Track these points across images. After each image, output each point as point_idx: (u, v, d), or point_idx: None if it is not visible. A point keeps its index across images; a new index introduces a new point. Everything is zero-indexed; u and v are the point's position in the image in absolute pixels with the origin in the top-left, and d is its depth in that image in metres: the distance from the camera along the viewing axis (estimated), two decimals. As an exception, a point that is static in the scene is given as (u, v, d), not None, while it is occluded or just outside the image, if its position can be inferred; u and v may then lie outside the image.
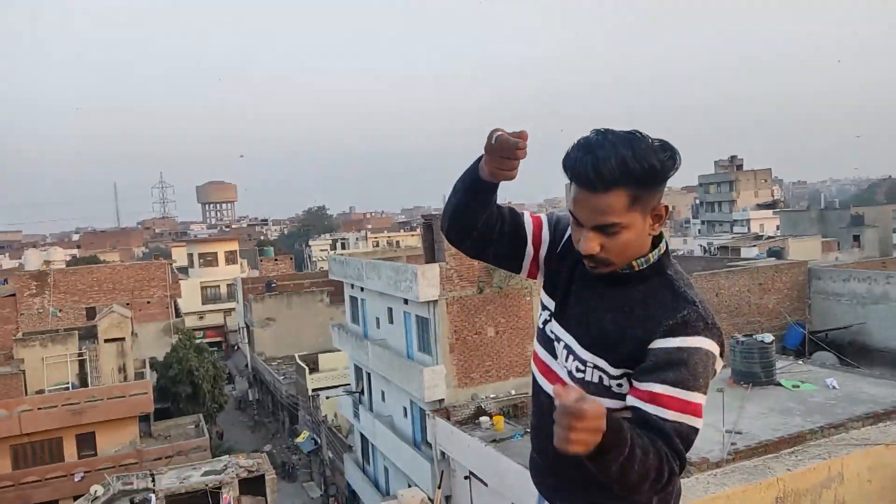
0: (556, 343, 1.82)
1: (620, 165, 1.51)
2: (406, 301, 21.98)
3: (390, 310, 23.77)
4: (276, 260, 56.66)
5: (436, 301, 20.49)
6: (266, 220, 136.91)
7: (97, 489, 22.82)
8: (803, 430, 12.28)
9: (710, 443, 12.05)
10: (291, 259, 60.88)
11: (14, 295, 36.48)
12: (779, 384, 15.76)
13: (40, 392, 29.50)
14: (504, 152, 1.57)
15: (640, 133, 1.57)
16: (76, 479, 28.00)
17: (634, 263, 1.66)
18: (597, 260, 1.64)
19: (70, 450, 29.23)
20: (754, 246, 47.39)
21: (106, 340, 31.95)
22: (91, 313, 36.91)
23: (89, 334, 32.23)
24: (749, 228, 71.32)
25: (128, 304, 37.55)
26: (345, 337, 27.99)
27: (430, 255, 21.71)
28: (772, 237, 53.46)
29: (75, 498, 25.02)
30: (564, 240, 1.84)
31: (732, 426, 12.77)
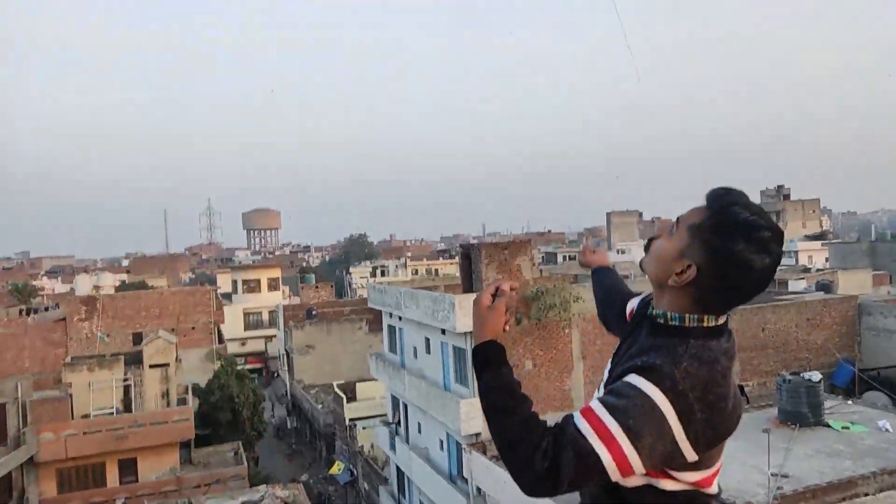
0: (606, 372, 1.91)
1: (720, 197, 1.67)
2: (443, 331, 21.92)
3: (428, 340, 23.73)
4: (316, 287, 57.34)
5: (472, 332, 20.36)
6: (308, 247, 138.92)
7: (137, 514, 23.10)
8: (854, 475, 11.77)
9: (755, 485, 11.64)
10: (332, 287, 61.51)
11: (64, 319, 37.56)
12: (827, 425, 15.15)
13: (86, 416, 30.14)
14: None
15: (763, 227, 1.62)
16: (118, 504, 28.43)
17: (668, 315, 1.67)
18: (648, 242, 1.82)
19: (112, 475, 29.71)
20: (802, 279, 46.06)
21: (151, 366, 32.57)
22: (137, 338, 37.71)
23: (135, 359, 32.89)
24: (797, 260, 69.57)
25: (173, 329, 38.29)
26: (382, 366, 28.01)
27: (468, 285, 21.67)
28: (820, 270, 51.98)
29: (116, 522, 25.38)
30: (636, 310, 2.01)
31: (779, 469, 12.31)
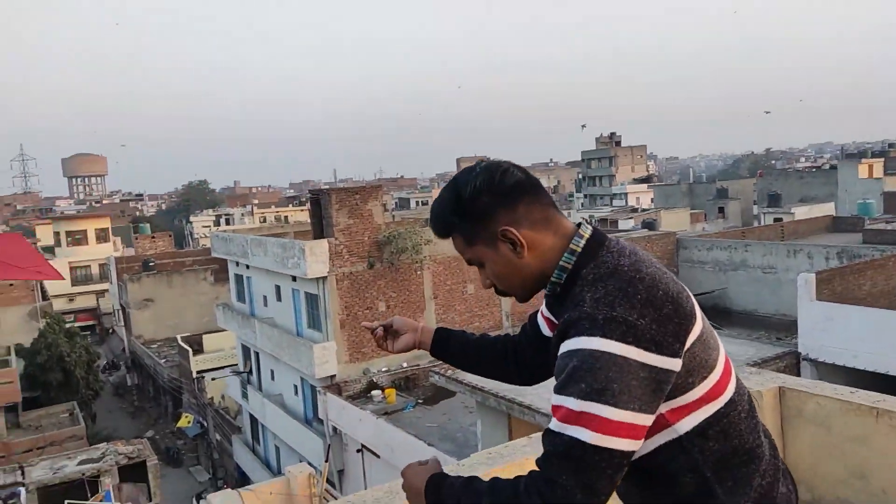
0: None
1: (434, 224, 1.57)
2: (294, 278, 21.62)
3: (278, 287, 23.31)
4: (153, 237, 53.84)
5: (325, 277, 20.29)
6: (141, 195, 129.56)
7: (-42, 488, 21.08)
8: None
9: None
10: (171, 236, 58.10)
11: None
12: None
13: None
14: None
15: (457, 177, 1.54)
16: (-68, 479, 25.77)
17: (554, 279, 1.48)
18: (499, 293, 1.61)
19: (-76, 447, 26.79)
20: (630, 218, 50.06)
21: (-38, 327, 29.41)
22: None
23: (-58, 321, 29.51)
24: (627, 202, 75.06)
25: (-14, 287, 34.63)
26: (230, 316, 27.19)
27: (319, 231, 21.41)
28: (646, 210, 56.57)
29: (-68, 499, 23.05)
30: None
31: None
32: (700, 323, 1.42)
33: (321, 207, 21.13)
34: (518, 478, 1.35)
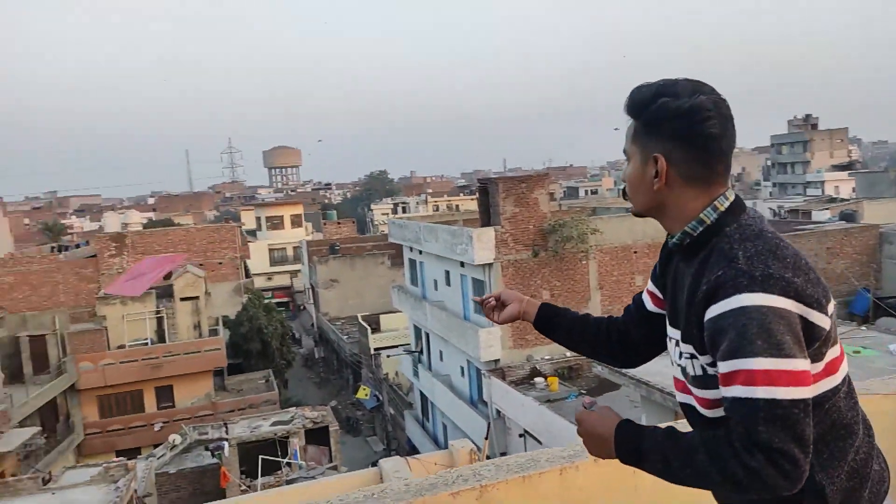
0: (669, 343, 1.68)
1: (630, 95, 1.58)
2: (462, 264, 22.43)
3: (447, 272, 24.28)
4: (339, 223, 58.03)
5: (491, 264, 20.86)
6: (329, 185, 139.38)
7: (175, 438, 24.46)
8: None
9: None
10: (354, 223, 62.15)
11: (95, 256, 38.72)
12: (838, 350, 15.42)
13: (121, 347, 31.51)
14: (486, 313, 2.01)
15: (682, 81, 1.53)
16: (156, 429, 30.04)
17: (689, 229, 1.52)
18: (623, 193, 1.69)
19: (150, 401, 31.28)
20: (826, 209, 45.59)
21: (182, 299, 33.72)
22: (168, 273, 38.88)
23: (166, 293, 34.01)
24: (823, 191, 68.40)
25: (201, 264, 39.35)
26: (404, 298, 28.75)
27: (486, 219, 22.01)
28: (846, 200, 51.27)
29: (155, 446, 26.93)
30: (659, 259, 1.77)
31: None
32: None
33: (489, 196, 21.70)
34: (729, 434, 1.32)
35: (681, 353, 1.57)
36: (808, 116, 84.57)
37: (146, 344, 31.95)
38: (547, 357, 21.12)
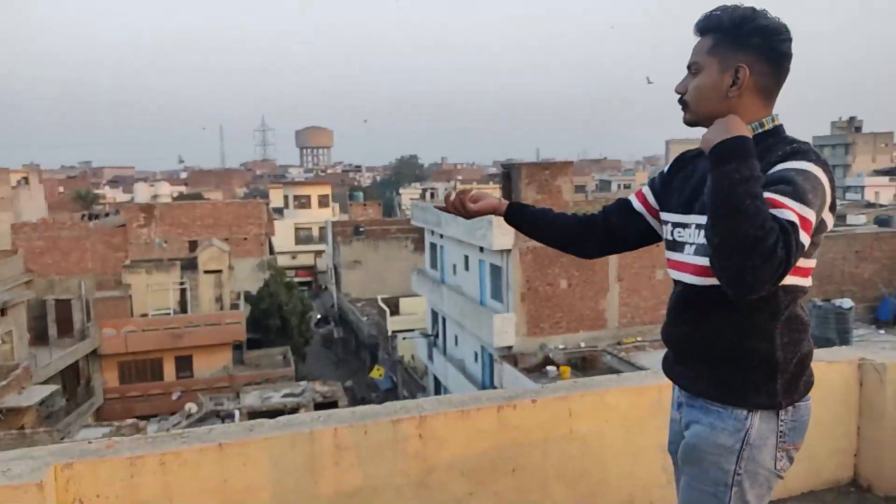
0: (683, 230, 1.82)
1: (713, 15, 1.74)
2: (482, 249, 22.31)
3: (466, 257, 24.20)
4: (364, 205, 58.24)
5: (509, 250, 20.71)
6: (360, 167, 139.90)
7: (191, 407, 24.87)
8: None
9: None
10: (380, 205, 62.33)
11: (124, 225, 39.37)
12: (858, 354, 15.10)
13: (144, 315, 32.07)
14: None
15: (759, 8, 1.71)
16: (174, 398, 30.54)
17: (750, 126, 1.68)
18: (682, 103, 1.79)
19: (169, 370, 31.83)
20: (863, 214, 44.46)
21: (205, 272, 34.19)
22: (193, 246, 39.37)
23: (190, 265, 34.51)
24: (863, 195, 66.65)
25: (226, 239, 39.81)
26: (423, 281, 28.75)
27: (508, 205, 21.82)
28: (885, 206, 49.95)
29: (172, 414, 27.40)
30: (669, 168, 1.95)
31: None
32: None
33: (511, 181, 21.52)
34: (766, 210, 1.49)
35: (692, 230, 1.77)
36: (852, 119, 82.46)
37: (168, 314, 32.49)
38: (561, 346, 20.95)
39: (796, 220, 1.49)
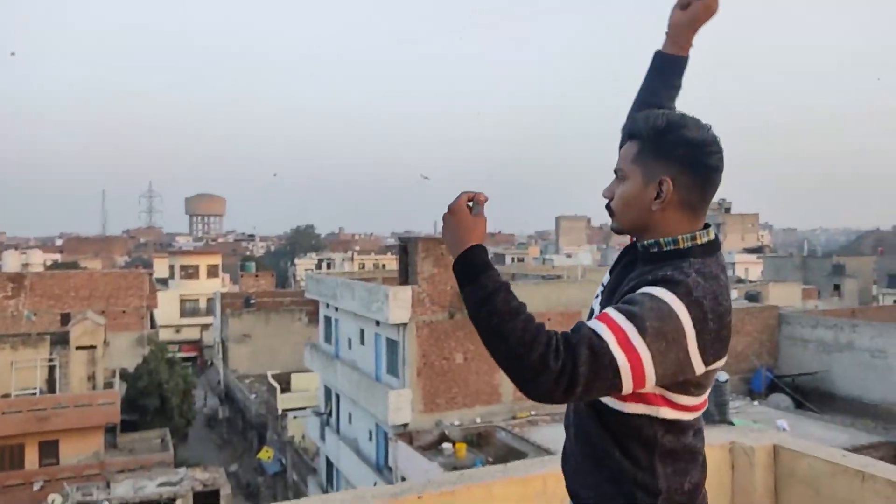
0: (592, 315, 1.76)
1: (638, 119, 1.68)
2: (378, 322, 22.02)
3: (362, 331, 23.79)
4: (256, 276, 56.56)
5: (406, 324, 20.55)
6: (253, 236, 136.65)
7: (55, 498, 22.49)
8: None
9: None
10: (273, 276, 60.78)
11: (-11, 297, 36.15)
12: (731, 423, 15.86)
13: (6, 396, 29.13)
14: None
15: (689, 116, 1.66)
16: (35, 488, 27.49)
17: (662, 242, 1.63)
18: (608, 209, 1.73)
19: (32, 457, 28.76)
20: (734, 290, 47.76)
21: (77, 347, 31.67)
22: (65, 319, 36.59)
23: (61, 340, 31.92)
24: (734, 272, 71.70)
25: (103, 311, 37.30)
26: (317, 356, 27.92)
27: (404, 278, 21.81)
28: (753, 282, 53.89)
29: (31, 506, 24.63)
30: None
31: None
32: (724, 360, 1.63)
33: (408, 254, 21.57)
34: (548, 331, 1.44)
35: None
36: (721, 200, 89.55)
37: (35, 394, 29.66)
38: (457, 423, 20.71)
39: (606, 333, 1.42)
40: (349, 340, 25.18)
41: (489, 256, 1.57)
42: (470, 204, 1.65)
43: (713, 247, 1.64)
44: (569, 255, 72.87)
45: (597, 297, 1.83)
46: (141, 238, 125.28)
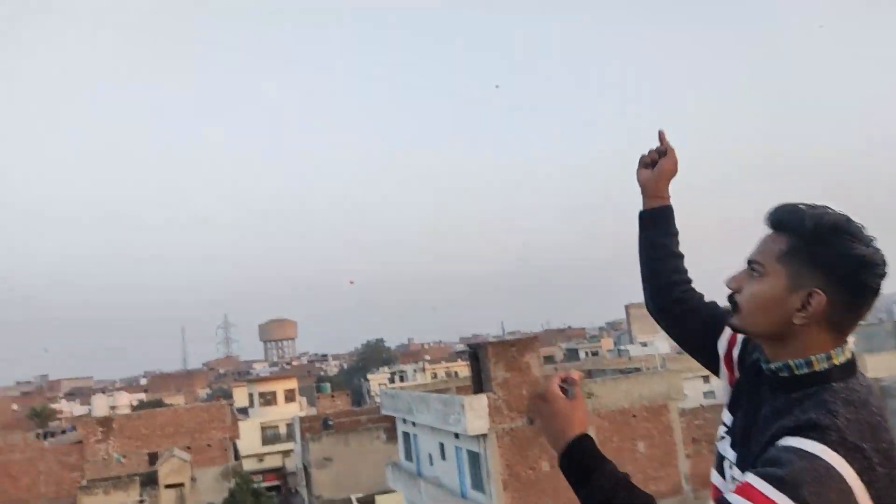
0: (724, 461, 1.56)
1: (795, 211, 1.42)
2: (457, 435, 21.64)
3: (442, 445, 23.37)
4: (332, 396, 56.89)
5: (485, 434, 20.13)
6: (325, 356, 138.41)
7: None
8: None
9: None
10: (348, 395, 60.93)
11: (81, 441, 37.39)
12: None
13: (100, 542, 29.53)
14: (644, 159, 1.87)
15: (855, 222, 1.40)
16: None
17: (793, 365, 1.41)
18: (732, 301, 1.50)
19: None
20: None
21: (166, 486, 32.25)
22: (153, 458, 37.35)
23: (150, 480, 32.55)
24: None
25: (188, 447, 37.94)
26: (399, 475, 27.42)
27: (478, 385, 21.57)
28: (845, 351, 50.68)
29: None
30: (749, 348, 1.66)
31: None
32: None
33: (479, 361, 21.44)
34: None
35: (730, 475, 1.50)
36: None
37: (126, 537, 29.99)
38: (550, 535, 19.74)
39: None
40: (430, 456, 24.71)
41: (595, 446, 1.43)
42: (564, 385, 1.51)
43: (852, 366, 1.39)
44: (644, 344, 70.72)
45: (722, 438, 1.60)
46: (220, 368, 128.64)
